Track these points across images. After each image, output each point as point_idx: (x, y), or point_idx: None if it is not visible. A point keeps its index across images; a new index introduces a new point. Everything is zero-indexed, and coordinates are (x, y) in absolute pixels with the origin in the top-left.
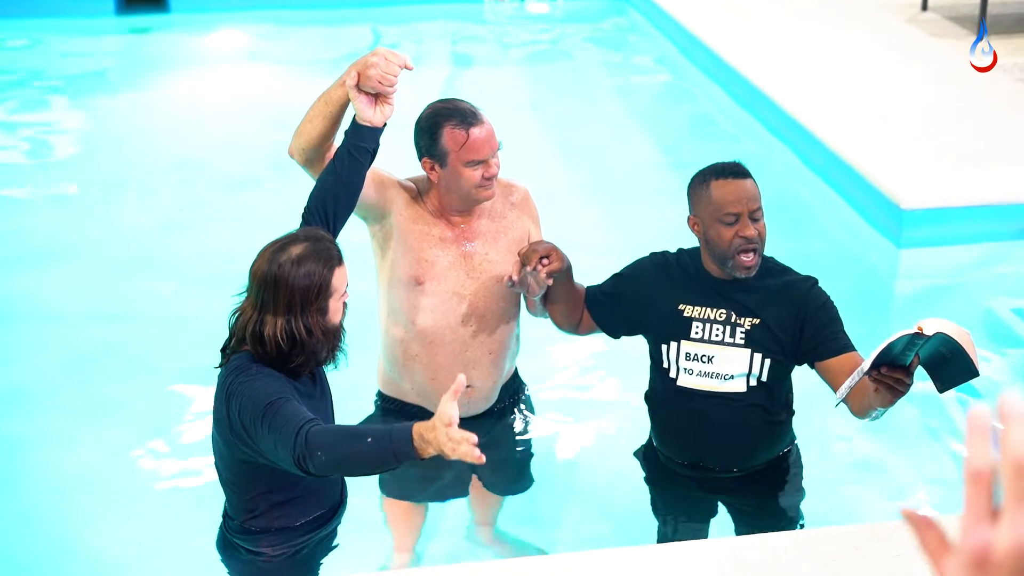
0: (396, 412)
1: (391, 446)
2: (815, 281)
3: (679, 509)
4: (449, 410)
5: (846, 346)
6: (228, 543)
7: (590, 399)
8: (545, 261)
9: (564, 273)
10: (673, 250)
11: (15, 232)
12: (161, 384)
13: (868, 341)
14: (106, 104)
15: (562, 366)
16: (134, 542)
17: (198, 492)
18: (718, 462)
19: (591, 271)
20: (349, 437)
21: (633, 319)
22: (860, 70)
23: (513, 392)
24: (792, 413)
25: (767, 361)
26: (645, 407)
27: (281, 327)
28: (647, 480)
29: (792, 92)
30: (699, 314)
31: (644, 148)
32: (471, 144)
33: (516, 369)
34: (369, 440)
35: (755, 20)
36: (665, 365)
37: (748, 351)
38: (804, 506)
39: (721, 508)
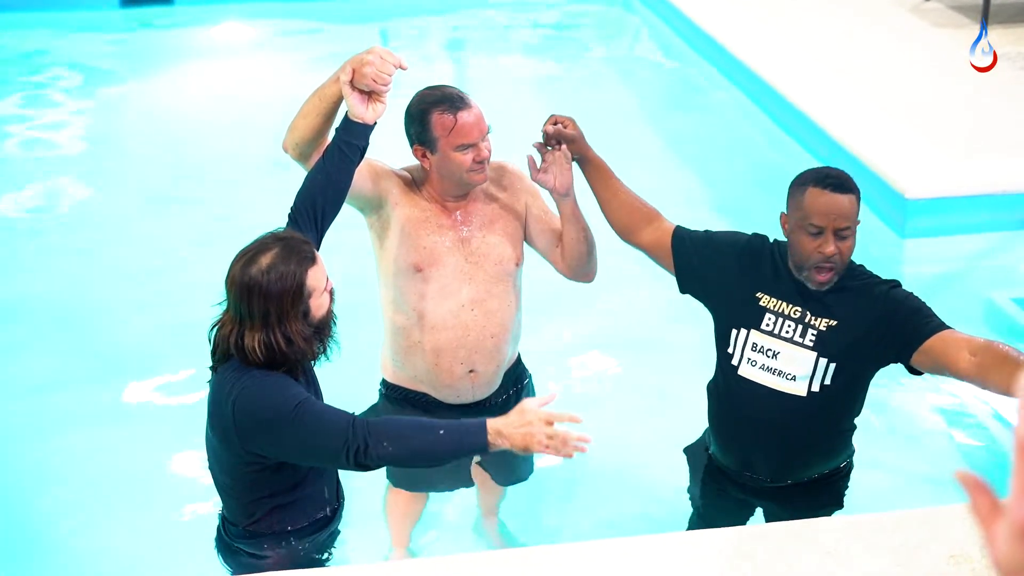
0: (400, 400)
1: (464, 438)
2: (897, 283)
3: (718, 506)
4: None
5: (940, 326)
6: (229, 548)
7: (594, 387)
8: (559, 127)
9: (578, 144)
10: (771, 239)
11: (16, 225)
12: (159, 387)
13: None
14: (110, 97)
15: (566, 354)
16: (134, 547)
17: (197, 497)
18: (766, 465)
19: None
20: (419, 428)
21: (708, 284)
22: (864, 60)
23: (516, 379)
24: (854, 427)
25: (832, 366)
26: (649, 394)
27: (259, 340)
28: (692, 474)
29: (796, 82)
30: (774, 306)
31: (648, 138)
32: (459, 128)
33: (519, 355)
34: (441, 432)
35: (758, 9)
36: (730, 350)
37: (814, 354)
38: None
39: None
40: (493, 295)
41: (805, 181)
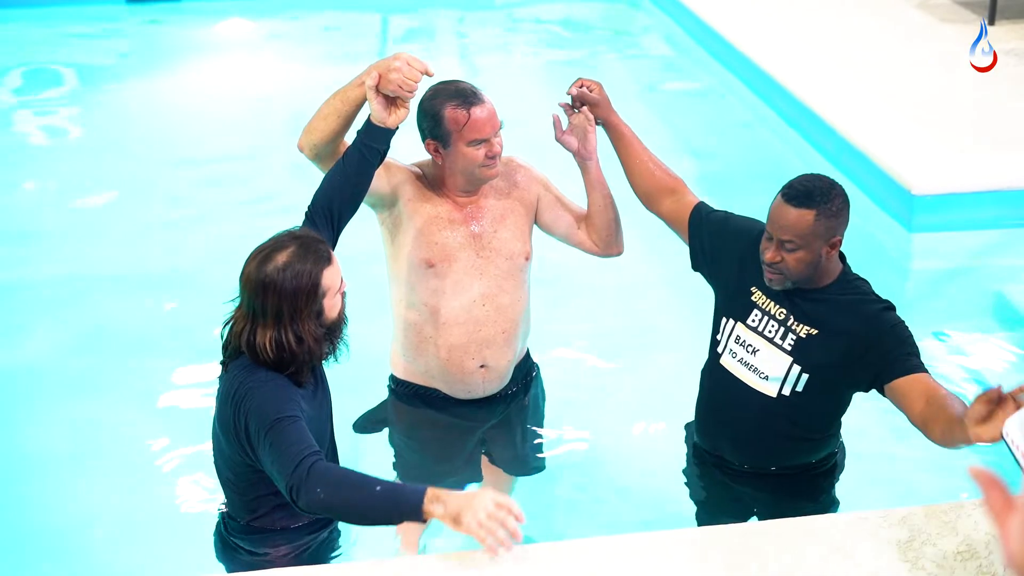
0: (410, 396)
1: (400, 499)
2: (889, 305)
3: (704, 486)
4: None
5: (916, 367)
6: (228, 544)
7: (601, 381)
8: (584, 90)
9: (602, 108)
10: None
11: (22, 221)
12: (164, 381)
13: None
14: (116, 94)
15: (574, 349)
16: (131, 542)
17: (197, 492)
18: (730, 453)
19: (602, 263)
20: (356, 483)
21: (713, 268)
22: (870, 55)
23: (525, 372)
24: (831, 435)
25: (805, 376)
26: (655, 390)
27: (271, 338)
28: (687, 462)
29: (802, 77)
30: (763, 303)
31: (655, 135)
32: (472, 124)
33: (528, 350)
34: (378, 489)
35: (764, 5)
36: (718, 337)
37: (789, 360)
38: None
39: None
40: (504, 290)
41: (781, 190)
